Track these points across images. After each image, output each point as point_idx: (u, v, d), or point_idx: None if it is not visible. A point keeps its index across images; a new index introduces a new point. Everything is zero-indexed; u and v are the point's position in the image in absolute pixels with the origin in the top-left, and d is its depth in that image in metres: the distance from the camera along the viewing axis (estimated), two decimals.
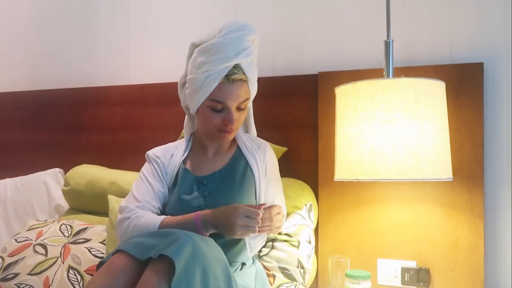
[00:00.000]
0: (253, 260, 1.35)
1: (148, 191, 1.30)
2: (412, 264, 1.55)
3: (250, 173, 1.35)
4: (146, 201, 1.28)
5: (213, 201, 1.27)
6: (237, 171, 1.32)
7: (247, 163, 1.36)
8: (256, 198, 1.33)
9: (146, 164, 1.38)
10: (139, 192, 1.30)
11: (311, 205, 1.59)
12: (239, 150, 1.39)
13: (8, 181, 2.05)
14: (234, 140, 1.41)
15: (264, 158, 1.38)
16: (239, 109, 1.29)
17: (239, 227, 1.15)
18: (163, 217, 1.23)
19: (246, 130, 1.50)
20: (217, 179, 1.32)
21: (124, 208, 1.26)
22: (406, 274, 1.54)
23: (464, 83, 1.55)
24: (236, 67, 1.25)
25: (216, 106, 1.27)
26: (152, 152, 1.38)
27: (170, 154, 1.38)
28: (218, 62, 1.22)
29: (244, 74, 1.26)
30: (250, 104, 1.43)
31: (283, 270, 1.43)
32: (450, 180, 1.38)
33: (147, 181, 1.32)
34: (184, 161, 1.37)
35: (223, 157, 1.38)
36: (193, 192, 1.30)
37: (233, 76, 1.24)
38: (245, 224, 1.15)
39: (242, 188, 1.30)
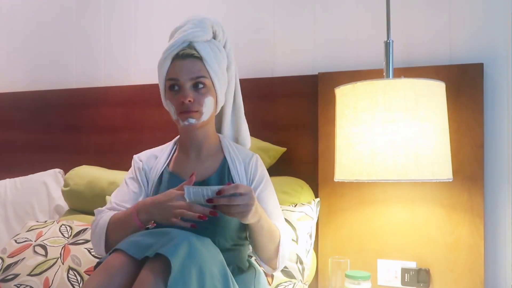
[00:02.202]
0: (250, 262, 1.34)
1: (123, 194, 1.31)
2: (412, 264, 1.55)
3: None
4: (116, 203, 1.29)
5: None
6: (224, 181, 1.29)
7: (230, 175, 1.30)
8: None
9: (131, 167, 1.38)
10: (116, 195, 1.32)
11: (319, 201, 1.62)
12: (225, 158, 1.33)
13: (8, 182, 2.05)
14: (220, 146, 1.35)
15: (248, 173, 1.31)
16: (196, 88, 1.25)
17: (172, 212, 1.09)
18: (112, 213, 1.25)
19: (237, 133, 1.43)
20: (206, 186, 1.26)
21: (96, 211, 1.29)
22: (406, 274, 1.54)
23: (464, 84, 1.55)
24: (190, 46, 1.25)
25: (172, 85, 1.26)
26: (137, 156, 1.38)
27: (155, 158, 1.36)
28: (171, 42, 1.27)
29: (197, 51, 1.25)
30: (239, 103, 1.40)
31: (282, 268, 1.43)
32: (450, 180, 1.38)
33: (125, 183, 1.34)
34: (168, 164, 1.34)
35: (211, 163, 1.32)
36: None
37: (184, 51, 1.24)
38: (179, 207, 1.09)
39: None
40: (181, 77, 1.24)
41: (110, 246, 1.22)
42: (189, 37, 1.25)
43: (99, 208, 1.30)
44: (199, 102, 1.24)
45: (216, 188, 1.07)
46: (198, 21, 1.29)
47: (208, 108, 1.26)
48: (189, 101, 1.23)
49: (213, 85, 1.28)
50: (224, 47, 1.34)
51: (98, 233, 1.23)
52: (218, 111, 1.34)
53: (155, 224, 1.22)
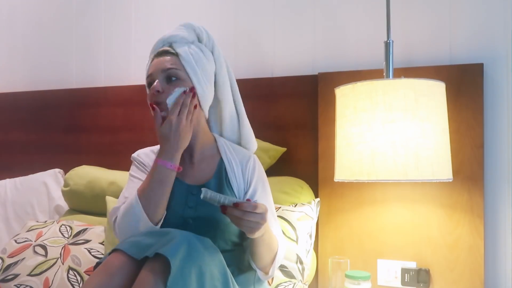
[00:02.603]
0: (250, 263, 1.33)
1: (134, 186, 1.28)
2: (412, 264, 1.55)
3: (230, 187, 1.28)
4: (129, 196, 1.25)
5: (198, 213, 1.22)
6: (223, 185, 1.28)
7: (227, 177, 1.29)
8: None
9: (132, 166, 1.36)
10: (127, 190, 1.28)
11: (319, 201, 1.62)
12: (222, 160, 1.31)
13: (8, 182, 2.05)
14: (217, 147, 1.33)
15: (246, 175, 1.30)
16: (169, 80, 1.23)
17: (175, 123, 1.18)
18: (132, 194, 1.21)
19: (241, 140, 1.41)
20: None
21: (112, 210, 1.25)
22: (406, 274, 1.54)
23: (464, 84, 1.55)
24: (169, 47, 1.27)
25: (148, 81, 1.26)
26: (136, 154, 1.36)
27: (153, 154, 1.34)
28: (154, 44, 1.30)
29: (173, 49, 1.25)
30: (241, 110, 1.37)
31: (282, 268, 1.43)
32: (450, 180, 1.38)
33: (134, 177, 1.30)
34: None
35: (208, 165, 1.30)
36: (181, 200, 1.25)
37: (160, 49, 1.26)
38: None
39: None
40: (154, 72, 1.24)
41: (152, 216, 1.16)
42: (168, 37, 1.27)
43: (113, 207, 1.25)
44: (170, 92, 1.21)
45: (234, 200, 1.07)
46: (180, 25, 1.31)
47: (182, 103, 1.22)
48: (157, 91, 1.21)
49: (190, 77, 1.24)
50: (212, 52, 1.31)
51: (130, 212, 1.16)
52: (206, 113, 1.31)
53: (180, 168, 1.21)
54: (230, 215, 1.08)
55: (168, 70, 1.23)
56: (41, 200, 1.96)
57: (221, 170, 1.29)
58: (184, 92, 1.20)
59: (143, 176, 1.29)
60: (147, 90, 1.29)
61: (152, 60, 1.27)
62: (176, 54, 1.25)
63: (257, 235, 1.12)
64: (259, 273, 1.26)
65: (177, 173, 1.28)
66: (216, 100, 1.34)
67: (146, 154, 1.35)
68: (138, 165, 1.33)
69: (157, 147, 1.38)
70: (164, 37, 1.28)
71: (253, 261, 1.25)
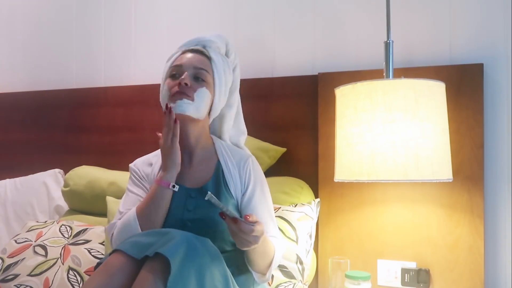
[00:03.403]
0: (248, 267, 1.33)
1: (130, 201, 1.30)
2: (412, 265, 1.55)
3: (228, 189, 1.28)
4: (128, 209, 1.27)
5: (197, 215, 1.22)
6: (221, 187, 1.28)
7: (225, 179, 1.29)
8: (239, 213, 1.29)
9: (129, 178, 1.37)
10: (123, 205, 1.30)
11: (319, 201, 1.63)
12: (219, 162, 1.31)
13: (8, 182, 2.05)
14: (214, 149, 1.34)
15: (243, 177, 1.30)
16: (196, 78, 1.26)
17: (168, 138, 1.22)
18: (131, 211, 1.23)
19: (237, 136, 1.43)
20: (204, 193, 1.23)
21: (108, 226, 1.27)
22: (406, 275, 1.54)
23: (464, 84, 1.55)
24: (204, 48, 1.31)
25: (174, 71, 1.27)
26: (133, 164, 1.37)
27: (149, 165, 1.35)
28: (185, 41, 1.35)
29: (207, 51, 1.30)
30: (239, 109, 1.41)
31: (282, 268, 1.43)
32: (450, 181, 1.38)
33: (129, 191, 1.32)
34: None
35: (205, 168, 1.30)
36: (180, 203, 1.25)
37: (193, 47, 1.30)
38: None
39: (227, 205, 1.25)
40: (184, 64, 1.26)
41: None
42: (204, 40, 1.31)
43: (110, 223, 1.27)
44: (194, 89, 1.24)
45: (233, 214, 1.07)
46: (215, 34, 1.35)
47: (201, 99, 1.24)
48: (186, 84, 1.23)
49: (214, 85, 1.28)
50: (233, 70, 1.38)
51: (127, 228, 1.20)
52: (212, 116, 1.33)
53: (176, 187, 1.24)
54: (226, 223, 1.10)
55: (200, 69, 1.26)
56: (41, 200, 1.96)
57: (219, 172, 1.29)
58: (164, 113, 1.23)
59: (139, 191, 1.31)
60: (164, 79, 1.30)
61: (183, 52, 1.30)
62: (209, 58, 1.29)
63: (249, 249, 1.14)
64: (256, 276, 1.26)
65: (176, 177, 1.29)
66: (220, 111, 1.38)
67: (141, 165, 1.36)
68: (134, 178, 1.34)
69: (153, 154, 1.38)
70: (201, 38, 1.32)
71: (249, 266, 1.25)
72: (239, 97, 1.43)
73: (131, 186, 1.33)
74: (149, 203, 1.20)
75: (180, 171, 1.28)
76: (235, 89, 1.39)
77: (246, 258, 1.24)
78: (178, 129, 1.21)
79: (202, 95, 1.25)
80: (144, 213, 1.20)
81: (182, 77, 1.24)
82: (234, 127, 1.43)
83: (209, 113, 1.32)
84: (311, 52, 1.83)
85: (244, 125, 1.45)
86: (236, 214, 1.08)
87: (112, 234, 1.23)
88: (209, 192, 1.07)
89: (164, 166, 1.23)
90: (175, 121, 1.21)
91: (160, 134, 1.26)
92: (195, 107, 1.24)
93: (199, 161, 1.31)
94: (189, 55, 1.29)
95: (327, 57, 1.81)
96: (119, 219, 1.26)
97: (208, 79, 1.27)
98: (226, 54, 1.37)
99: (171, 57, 1.32)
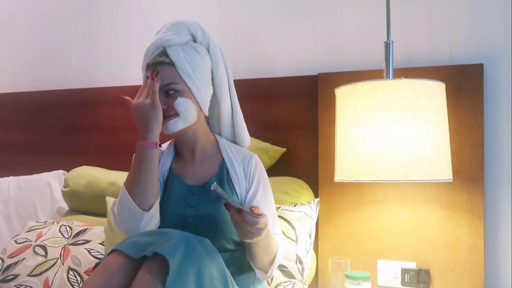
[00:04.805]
0: (250, 264, 1.34)
1: None
2: (412, 265, 1.55)
3: (232, 186, 1.28)
4: None
5: (199, 212, 1.23)
6: (224, 184, 1.28)
7: (229, 176, 1.29)
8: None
9: None
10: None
11: (318, 201, 1.62)
12: (224, 160, 1.31)
13: (11, 180, 2.04)
14: (218, 147, 1.34)
15: (247, 175, 1.30)
16: (167, 94, 1.23)
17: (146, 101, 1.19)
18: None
19: (235, 136, 1.41)
20: (207, 190, 1.26)
21: (111, 209, 1.26)
22: (406, 275, 1.54)
23: (464, 84, 1.55)
24: (163, 52, 1.25)
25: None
26: None
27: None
28: (147, 48, 1.27)
29: (169, 57, 1.24)
30: (236, 106, 1.38)
31: (281, 268, 1.43)
32: (450, 181, 1.38)
33: None
34: (173, 165, 1.32)
35: (209, 165, 1.31)
36: (181, 199, 1.25)
37: (154, 60, 1.24)
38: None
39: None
40: None
41: (141, 202, 1.16)
42: (161, 42, 1.24)
43: (112, 205, 1.26)
44: (172, 105, 1.23)
45: (238, 205, 1.07)
46: (172, 24, 1.28)
47: (185, 108, 1.23)
48: (163, 108, 1.22)
49: (188, 88, 1.25)
50: (207, 49, 1.31)
51: (121, 204, 1.17)
52: (206, 113, 1.31)
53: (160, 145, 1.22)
54: (231, 214, 1.09)
55: (168, 85, 1.23)
56: (44, 202, 1.95)
57: (223, 170, 1.29)
58: (147, 77, 1.21)
59: None
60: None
61: (147, 69, 1.26)
62: (171, 63, 1.24)
63: (252, 241, 1.13)
64: (258, 273, 1.26)
65: (178, 173, 1.29)
66: (215, 98, 1.33)
67: None
68: None
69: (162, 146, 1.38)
70: (159, 40, 1.25)
71: (251, 262, 1.25)
72: (234, 90, 1.38)
73: None
74: (136, 170, 1.17)
75: (182, 167, 1.29)
76: (217, 65, 1.31)
77: (249, 254, 1.24)
78: (156, 86, 1.19)
79: (183, 105, 1.23)
80: (135, 182, 1.17)
81: None
82: (238, 137, 1.40)
83: (200, 107, 1.29)
84: (311, 52, 1.83)
85: (247, 132, 1.41)
86: (241, 206, 1.08)
87: (115, 216, 1.21)
88: (214, 183, 1.07)
89: (146, 126, 1.18)
90: (152, 78, 1.20)
91: (127, 98, 1.22)
92: (183, 120, 1.24)
93: (201, 158, 1.31)
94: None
95: (327, 57, 1.81)
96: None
97: (180, 87, 1.23)
98: (193, 39, 1.30)
99: (142, 68, 1.29)
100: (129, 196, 1.15)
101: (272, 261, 1.24)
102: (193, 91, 1.25)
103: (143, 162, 1.17)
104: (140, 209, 1.15)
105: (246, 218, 1.06)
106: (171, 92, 1.23)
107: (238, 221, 1.08)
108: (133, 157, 1.20)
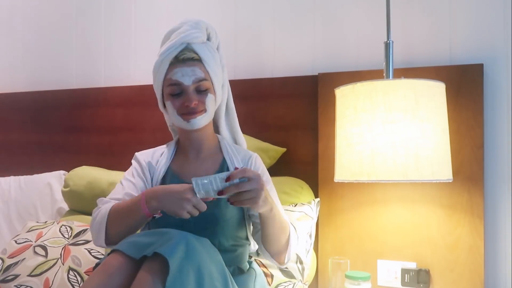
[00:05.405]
0: (250, 263, 1.34)
1: (118, 191, 1.29)
2: (412, 265, 1.55)
3: None
4: (112, 199, 1.27)
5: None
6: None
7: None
8: (244, 209, 1.30)
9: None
10: (113, 192, 1.30)
11: (318, 201, 1.63)
12: (224, 159, 1.32)
13: (12, 180, 2.04)
14: (219, 147, 1.35)
15: None
16: (198, 90, 1.25)
17: (183, 205, 1.07)
18: (113, 202, 1.22)
19: (233, 135, 1.43)
20: None
21: (96, 207, 1.27)
22: (406, 275, 1.54)
23: (464, 84, 1.55)
24: (188, 48, 1.24)
25: (174, 90, 1.24)
26: (139, 153, 1.37)
27: (157, 156, 1.35)
28: (168, 44, 1.25)
29: (196, 53, 1.25)
30: (231, 105, 1.39)
31: (281, 268, 1.43)
32: (450, 181, 1.38)
33: (124, 180, 1.31)
34: (171, 165, 1.33)
35: (210, 164, 1.32)
36: None
37: (183, 56, 1.24)
38: (190, 201, 1.08)
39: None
40: (184, 81, 1.23)
41: (110, 237, 1.19)
42: (187, 39, 1.24)
43: (103, 198, 1.27)
44: (202, 101, 1.25)
45: (224, 175, 1.06)
46: (194, 22, 1.28)
47: (211, 106, 1.27)
48: (195, 104, 1.23)
49: (213, 85, 1.28)
50: (217, 50, 1.34)
51: (99, 222, 1.20)
52: (215, 109, 1.34)
53: (161, 215, 1.17)
54: (229, 196, 1.08)
55: (199, 82, 1.24)
56: (45, 202, 1.95)
57: (223, 169, 1.30)
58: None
59: (138, 181, 1.30)
60: (161, 94, 1.29)
61: (171, 64, 1.25)
62: (199, 60, 1.25)
63: (263, 206, 1.11)
64: (273, 262, 1.26)
65: (176, 172, 1.31)
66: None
67: (147, 155, 1.36)
68: (134, 167, 1.34)
69: (158, 148, 1.38)
70: (183, 36, 1.24)
71: (266, 248, 1.25)
72: (230, 90, 1.39)
73: (127, 174, 1.32)
74: (126, 210, 1.17)
75: (181, 166, 1.30)
76: (224, 66, 1.35)
77: (264, 237, 1.23)
78: (204, 208, 1.11)
79: (210, 102, 1.26)
80: (117, 216, 1.18)
81: (188, 99, 1.23)
82: (236, 138, 1.42)
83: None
84: (311, 52, 1.83)
85: (241, 134, 1.43)
86: (224, 173, 1.07)
87: (98, 212, 1.22)
88: (193, 181, 1.06)
89: (160, 198, 1.12)
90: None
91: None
92: (208, 116, 1.27)
93: (204, 157, 1.32)
94: (182, 69, 1.24)
95: (327, 57, 1.81)
96: (105, 203, 1.25)
97: (208, 84, 1.26)
98: (208, 39, 1.31)
99: (158, 67, 1.26)
100: (106, 223, 1.18)
101: (287, 243, 1.24)
102: (216, 89, 1.29)
103: (132, 214, 1.16)
104: (103, 241, 1.19)
105: (235, 175, 1.06)
106: (202, 88, 1.25)
107: (236, 190, 1.06)
108: (135, 199, 1.17)
